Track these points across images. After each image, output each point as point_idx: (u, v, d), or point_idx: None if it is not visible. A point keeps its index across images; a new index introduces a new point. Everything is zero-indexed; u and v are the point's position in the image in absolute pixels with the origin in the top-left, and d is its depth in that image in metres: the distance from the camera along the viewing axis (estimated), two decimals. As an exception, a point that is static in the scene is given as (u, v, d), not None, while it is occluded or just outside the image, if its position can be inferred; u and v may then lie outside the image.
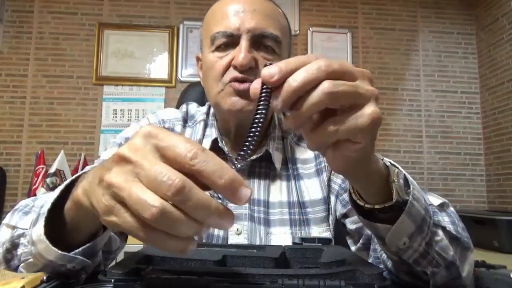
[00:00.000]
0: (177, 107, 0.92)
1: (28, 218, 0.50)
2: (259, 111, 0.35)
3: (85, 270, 0.47)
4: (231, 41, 0.69)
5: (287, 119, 0.35)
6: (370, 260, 0.64)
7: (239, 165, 0.34)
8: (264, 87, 0.34)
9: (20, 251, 0.49)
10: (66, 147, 2.40)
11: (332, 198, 0.76)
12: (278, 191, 0.75)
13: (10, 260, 0.50)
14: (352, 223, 0.70)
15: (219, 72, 0.69)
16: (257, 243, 0.71)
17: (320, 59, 0.34)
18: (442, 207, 0.55)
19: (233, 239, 0.71)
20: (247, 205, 0.73)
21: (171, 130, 0.78)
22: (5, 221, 0.53)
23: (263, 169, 0.76)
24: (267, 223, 0.73)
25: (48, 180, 2.16)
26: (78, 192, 0.38)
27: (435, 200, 0.56)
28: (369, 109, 0.35)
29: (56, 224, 0.44)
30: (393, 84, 2.69)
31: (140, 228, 0.30)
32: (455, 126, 2.69)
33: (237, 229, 0.72)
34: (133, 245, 0.79)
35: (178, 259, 0.47)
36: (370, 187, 0.44)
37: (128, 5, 2.59)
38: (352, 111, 0.35)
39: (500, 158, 2.49)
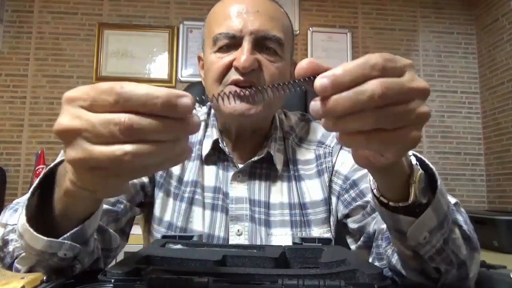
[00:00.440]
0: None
1: (17, 214, 0.50)
2: (285, 86, 0.35)
3: (79, 260, 0.46)
4: (233, 42, 0.68)
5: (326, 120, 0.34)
6: (371, 257, 0.63)
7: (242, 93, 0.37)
8: (308, 77, 0.34)
9: (11, 247, 0.49)
10: (66, 147, 2.39)
11: (333, 199, 0.76)
12: (279, 192, 0.75)
13: (3, 258, 0.50)
14: (354, 223, 0.70)
15: (220, 72, 0.68)
16: (258, 244, 0.71)
17: (377, 79, 0.31)
18: (456, 206, 0.55)
19: (233, 240, 0.71)
20: (248, 206, 0.73)
21: None
22: None
23: (264, 170, 0.76)
24: (267, 224, 0.73)
25: (48, 180, 2.16)
26: (66, 181, 0.38)
27: (450, 198, 0.55)
28: (416, 133, 0.34)
29: (46, 214, 0.43)
30: (393, 84, 2.69)
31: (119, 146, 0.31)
32: (455, 126, 2.69)
33: (238, 230, 0.72)
34: (133, 245, 0.80)
35: (178, 259, 0.47)
36: (390, 184, 0.43)
37: (128, 5, 2.59)
38: (398, 132, 0.33)
39: (500, 158, 2.49)
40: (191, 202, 0.73)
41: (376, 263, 0.61)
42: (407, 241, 0.44)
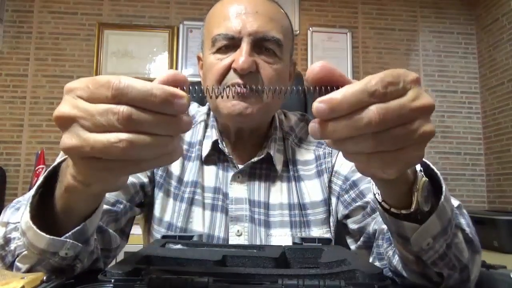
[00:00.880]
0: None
1: (19, 213, 0.50)
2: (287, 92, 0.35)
3: (80, 260, 0.46)
4: (232, 43, 0.68)
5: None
6: (371, 256, 0.63)
7: None
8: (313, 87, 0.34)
9: (13, 245, 0.49)
10: (66, 147, 2.39)
11: (333, 200, 0.76)
12: (279, 193, 0.75)
13: (4, 257, 0.50)
14: (354, 223, 0.70)
15: (219, 74, 0.68)
16: (258, 244, 0.71)
17: (375, 106, 0.31)
18: (458, 208, 0.54)
19: (233, 241, 0.71)
20: (247, 206, 0.73)
21: None
22: None
23: (263, 171, 0.76)
24: (267, 224, 0.73)
25: (48, 180, 2.16)
26: (68, 177, 0.39)
27: (453, 201, 0.54)
28: (418, 153, 0.33)
29: (46, 214, 0.44)
30: (393, 84, 2.68)
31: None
32: (455, 126, 2.69)
33: (238, 231, 0.72)
34: (133, 245, 0.79)
35: (178, 259, 0.47)
36: (392, 192, 0.42)
37: (128, 5, 2.59)
38: (399, 152, 0.33)
39: (500, 158, 2.49)
40: (191, 202, 0.73)
41: (377, 263, 0.61)
42: (410, 247, 0.44)
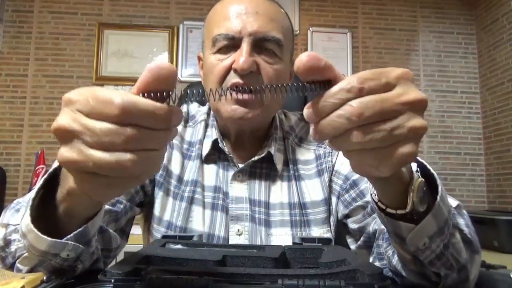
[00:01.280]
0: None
1: (20, 214, 0.50)
2: (283, 87, 0.37)
3: (81, 261, 0.46)
4: (233, 43, 0.68)
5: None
6: (372, 256, 0.63)
7: None
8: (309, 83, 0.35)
9: (13, 247, 0.49)
10: (66, 147, 2.39)
11: (334, 199, 0.76)
12: (279, 192, 0.75)
13: (5, 258, 0.50)
14: (354, 223, 0.70)
15: (220, 76, 0.68)
16: (258, 244, 0.71)
17: (354, 100, 0.32)
18: (457, 208, 0.54)
19: (233, 240, 0.71)
20: (248, 206, 0.73)
21: None
22: None
23: (264, 170, 0.76)
24: (267, 224, 0.73)
25: (48, 180, 2.16)
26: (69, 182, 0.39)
27: (451, 201, 0.54)
28: (410, 149, 0.33)
29: (47, 216, 0.43)
30: (393, 84, 2.68)
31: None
32: (455, 126, 2.69)
33: (238, 230, 0.72)
34: (133, 245, 0.79)
35: (178, 259, 0.47)
36: (388, 191, 0.42)
37: (128, 5, 2.59)
38: (389, 149, 0.33)
39: (500, 158, 2.49)
40: (191, 201, 0.73)
41: (377, 263, 0.61)
42: (407, 246, 0.44)
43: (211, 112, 0.81)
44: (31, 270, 0.46)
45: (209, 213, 0.73)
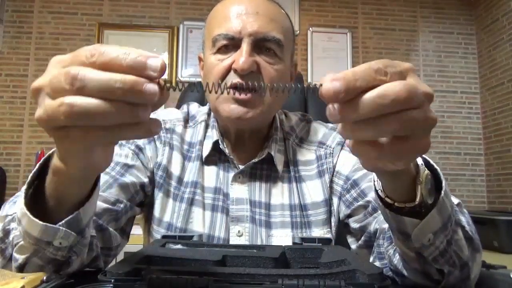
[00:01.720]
0: (178, 107, 0.92)
1: (17, 205, 0.50)
2: (285, 87, 0.35)
3: (76, 252, 0.46)
4: (233, 44, 0.68)
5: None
6: (372, 256, 0.63)
7: None
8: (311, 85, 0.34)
9: (11, 236, 0.48)
10: (66, 147, 2.39)
11: (335, 200, 0.75)
12: (280, 193, 0.75)
13: (4, 250, 0.50)
14: (355, 222, 0.70)
15: (220, 76, 0.68)
16: (258, 244, 0.71)
17: (399, 82, 0.31)
18: (458, 206, 0.54)
19: (234, 241, 0.71)
20: (248, 207, 0.73)
21: (172, 130, 0.78)
22: None
23: (264, 171, 0.76)
24: (268, 225, 0.73)
25: (48, 180, 2.16)
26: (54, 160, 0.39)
27: (453, 199, 0.54)
28: (427, 140, 0.34)
29: (40, 203, 0.43)
30: (393, 84, 2.69)
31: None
32: (455, 126, 2.69)
33: (238, 231, 0.72)
34: (133, 245, 0.79)
35: (178, 259, 0.47)
36: (396, 185, 0.42)
37: (128, 5, 2.59)
38: (409, 141, 0.33)
39: (500, 158, 2.49)
40: (191, 202, 0.73)
41: (377, 263, 0.61)
42: (411, 243, 0.44)
43: (212, 113, 0.81)
44: (27, 262, 0.46)
45: (209, 214, 0.73)
